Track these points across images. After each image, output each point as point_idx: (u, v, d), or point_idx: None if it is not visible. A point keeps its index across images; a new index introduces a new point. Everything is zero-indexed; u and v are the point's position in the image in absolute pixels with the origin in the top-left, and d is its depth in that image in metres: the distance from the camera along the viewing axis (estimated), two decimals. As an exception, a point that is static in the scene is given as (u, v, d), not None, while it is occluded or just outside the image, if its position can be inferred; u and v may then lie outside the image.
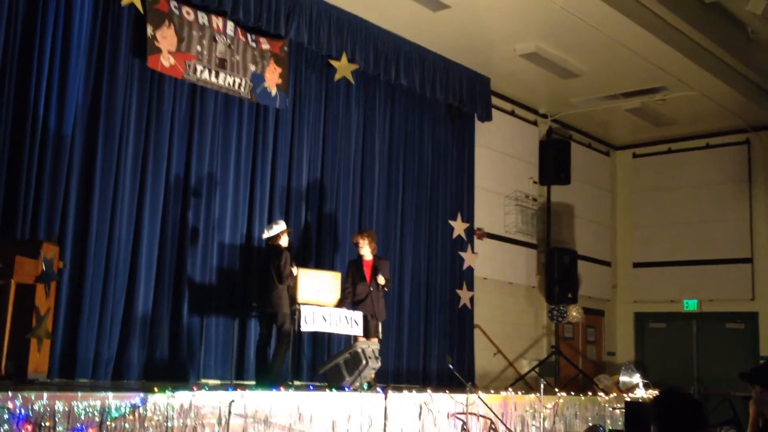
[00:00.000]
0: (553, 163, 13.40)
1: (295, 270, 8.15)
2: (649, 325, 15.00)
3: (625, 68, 11.71)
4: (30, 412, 4.99)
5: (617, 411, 10.15)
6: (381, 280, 8.74)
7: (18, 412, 4.93)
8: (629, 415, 7.46)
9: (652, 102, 13.05)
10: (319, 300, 8.34)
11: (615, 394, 10.92)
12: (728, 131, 14.20)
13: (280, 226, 8.17)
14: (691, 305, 14.34)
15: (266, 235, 8.15)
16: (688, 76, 11.89)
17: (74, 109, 7.63)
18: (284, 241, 8.13)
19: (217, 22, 8.76)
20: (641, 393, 11.32)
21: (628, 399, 10.37)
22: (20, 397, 4.97)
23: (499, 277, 12.61)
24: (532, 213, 13.28)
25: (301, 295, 8.19)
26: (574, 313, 12.90)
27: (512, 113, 13.15)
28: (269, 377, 7.73)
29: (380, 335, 8.87)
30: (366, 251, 8.86)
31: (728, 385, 12.28)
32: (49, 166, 7.39)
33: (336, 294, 8.58)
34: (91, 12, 7.83)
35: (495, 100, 12.46)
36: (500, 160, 12.81)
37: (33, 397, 5.03)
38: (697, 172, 14.55)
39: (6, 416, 4.87)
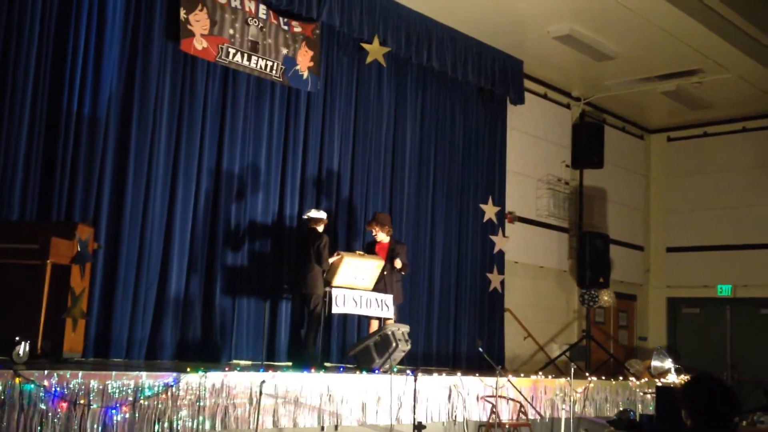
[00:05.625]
0: (586, 147, 13.28)
1: (345, 255, 8.17)
2: (682, 311, 14.86)
3: (661, 51, 11.54)
4: (65, 390, 5.09)
5: (648, 396, 10.11)
6: (398, 264, 8.68)
7: (54, 390, 5.04)
8: (660, 400, 7.40)
9: (687, 85, 12.86)
10: (354, 285, 8.35)
11: (646, 379, 10.86)
12: (765, 114, 13.96)
13: (322, 213, 8.29)
14: (725, 290, 14.18)
15: (310, 214, 8.25)
16: (724, 58, 11.70)
17: (108, 92, 7.72)
18: (321, 229, 8.20)
19: (250, 5, 8.79)
20: (673, 378, 11.24)
21: (659, 384, 10.29)
22: (56, 375, 5.08)
23: (530, 261, 12.56)
24: (564, 197, 13.18)
25: (338, 281, 8.20)
26: (606, 297, 12.81)
27: (545, 96, 13.04)
28: (302, 359, 7.80)
29: (394, 318, 8.67)
30: (381, 236, 8.84)
31: (762, 371, 12.17)
32: (84, 149, 7.49)
33: (372, 279, 8.57)
34: (124, -5, 7.91)
35: (527, 83, 12.35)
36: (532, 144, 12.73)
37: (68, 376, 5.13)
38: (733, 156, 14.34)
39: (42, 394, 4.97)
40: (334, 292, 8.08)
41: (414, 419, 7.02)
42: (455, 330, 10.95)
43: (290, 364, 8.07)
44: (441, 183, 11.05)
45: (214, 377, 5.90)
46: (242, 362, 8.22)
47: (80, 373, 5.20)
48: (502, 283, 11.70)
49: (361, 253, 8.59)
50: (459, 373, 8.07)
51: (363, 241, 9.73)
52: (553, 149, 13.08)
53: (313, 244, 8.01)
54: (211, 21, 8.39)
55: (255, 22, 8.82)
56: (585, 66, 12.26)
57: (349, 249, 9.49)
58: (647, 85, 13.06)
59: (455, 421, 7.83)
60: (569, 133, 13.42)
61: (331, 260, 8.17)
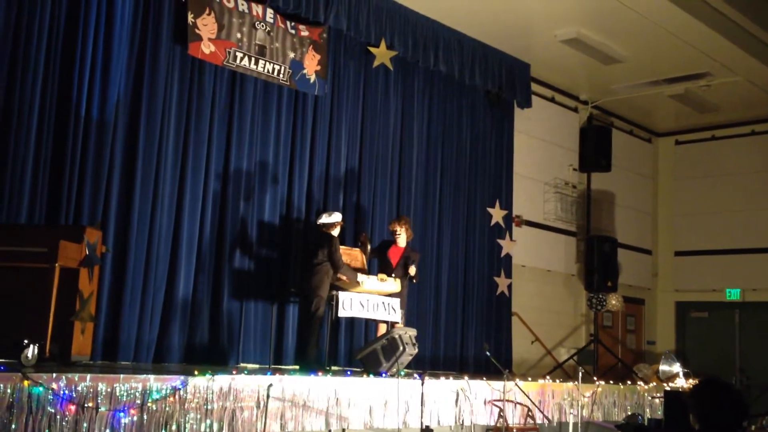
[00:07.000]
0: (594, 150, 13.25)
1: (365, 283, 8.15)
2: (691, 315, 14.81)
3: (668, 54, 11.52)
4: (74, 394, 5.10)
5: (656, 400, 10.08)
6: (412, 271, 8.63)
7: (62, 393, 5.04)
8: (668, 405, 7.39)
9: (696, 88, 12.83)
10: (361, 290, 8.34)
11: (654, 384, 10.82)
12: (774, 118, 13.96)
13: (336, 217, 8.19)
14: (733, 294, 14.13)
15: (322, 220, 8.16)
16: (733, 62, 11.67)
17: (116, 96, 7.74)
18: (335, 232, 8.15)
19: (257, 9, 8.82)
20: (681, 382, 11.20)
21: (667, 388, 10.26)
22: (64, 378, 5.08)
23: (537, 264, 12.54)
24: (571, 200, 13.16)
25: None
26: (614, 301, 12.78)
27: (552, 100, 13.03)
28: (306, 363, 7.80)
29: (401, 322, 8.66)
30: (402, 239, 8.83)
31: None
32: (92, 153, 7.51)
33: (382, 294, 8.52)
34: (133, 0, 7.93)
35: (534, 87, 12.35)
36: (539, 147, 12.71)
37: (77, 379, 5.14)
38: (742, 160, 14.30)
39: (50, 397, 4.98)
40: (341, 295, 8.07)
41: (421, 423, 7.01)
42: (462, 334, 10.94)
43: (297, 367, 8.07)
44: (448, 186, 11.05)
45: (222, 380, 5.90)
46: (249, 365, 8.22)
47: (88, 376, 5.20)
48: (510, 286, 11.69)
49: (384, 277, 8.46)
50: (466, 377, 8.05)
51: (371, 244, 9.72)
52: (561, 153, 13.07)
53: (324, 248, 7.97)
54: (219, 25, 8.42)
55: (262, 26, 8.85)
56: (592, 69, 12.25)
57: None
58: (655, 88, 13.04)
59: (462, 425, 7.81)
60: (577, 137, 13.40)
61: (348, 278, 8.12)
